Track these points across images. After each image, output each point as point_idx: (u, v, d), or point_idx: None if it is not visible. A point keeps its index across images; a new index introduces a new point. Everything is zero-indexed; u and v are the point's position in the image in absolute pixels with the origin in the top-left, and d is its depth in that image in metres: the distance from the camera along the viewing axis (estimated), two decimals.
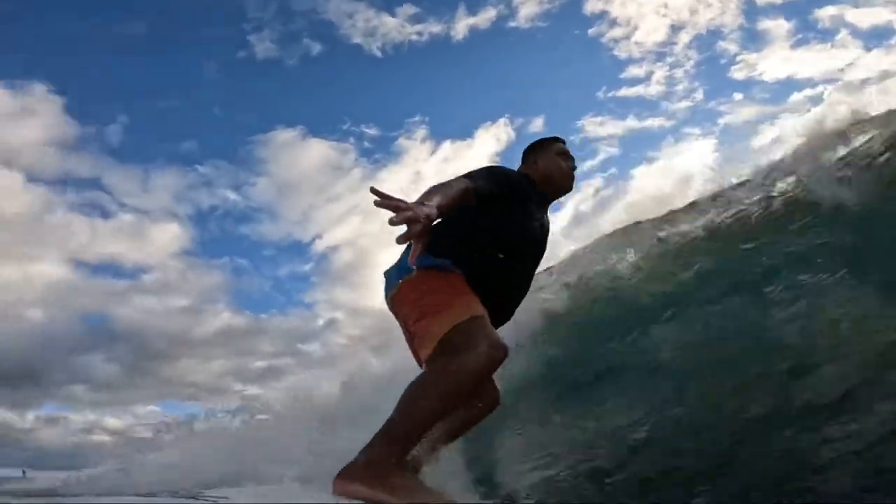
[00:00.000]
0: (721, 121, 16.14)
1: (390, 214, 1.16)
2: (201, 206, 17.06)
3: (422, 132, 18.16)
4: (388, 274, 1.68)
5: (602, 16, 17.74)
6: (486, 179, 1.62)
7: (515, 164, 1.96)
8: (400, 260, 1.67)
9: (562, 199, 2.00)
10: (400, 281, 1.60)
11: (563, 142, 1.97)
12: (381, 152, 19.79)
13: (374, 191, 1.18)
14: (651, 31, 17.05)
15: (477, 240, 1.61)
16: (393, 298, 1.64)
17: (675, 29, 17.15)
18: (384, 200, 1.17)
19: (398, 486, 1.22)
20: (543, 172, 1.88)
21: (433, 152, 18.98)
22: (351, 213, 20.55)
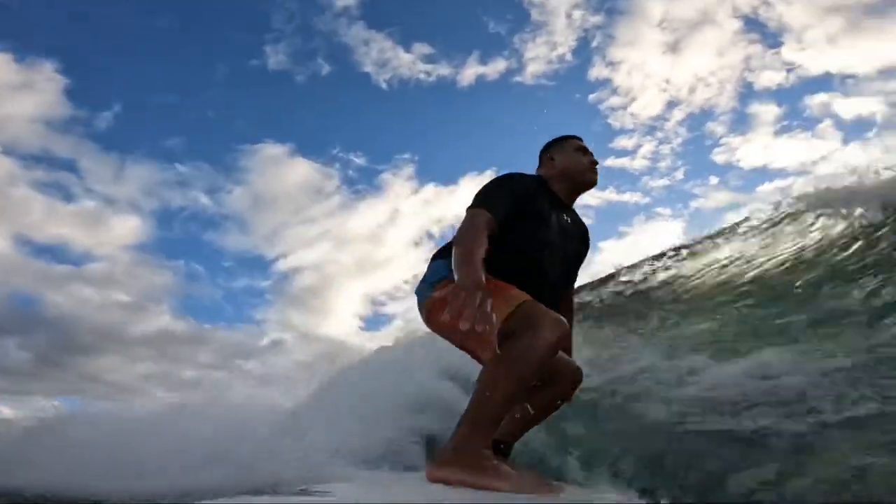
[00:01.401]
0: (693, 203, 16.91)
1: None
2: (170, 205, 16.45)
3: (408, 170, 18.42)
4: (418, 291, 1.66)
5: (605, 83, 18.48)
6: (498, 204, 1.56)
7: None
8: (425, 275, 1.64)
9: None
10: (433, 294, 1.56)
11: (580, 139, 1.87)
12: (364, 183, 19.77)
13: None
14: (648, 105, 17.99)
15: (496, 255, 1.51)
16: (429, 313, 1.59)
17: (672, 105, 18.07)
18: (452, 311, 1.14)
19: (489, 468, 1.22)
20: (562, 170, 1.80)
21: (416, 192, 19.18)
22: (322, 239, 20.14)
